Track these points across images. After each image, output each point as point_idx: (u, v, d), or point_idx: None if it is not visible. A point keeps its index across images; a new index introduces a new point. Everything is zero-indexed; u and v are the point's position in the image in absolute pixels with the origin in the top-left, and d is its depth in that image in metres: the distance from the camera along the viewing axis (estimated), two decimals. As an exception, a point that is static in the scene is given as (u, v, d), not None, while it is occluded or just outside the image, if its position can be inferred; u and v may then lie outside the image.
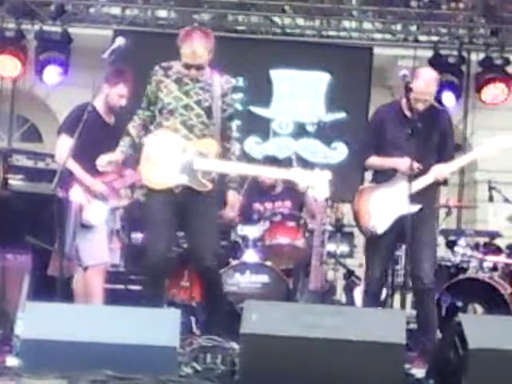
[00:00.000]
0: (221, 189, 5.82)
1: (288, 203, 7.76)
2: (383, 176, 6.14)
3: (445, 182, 6.42)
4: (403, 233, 5.78)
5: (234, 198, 5.83)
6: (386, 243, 6.08)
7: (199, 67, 5.69)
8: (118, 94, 6.31)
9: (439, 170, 6.07)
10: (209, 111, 5.70)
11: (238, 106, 9.24)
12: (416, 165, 5.88)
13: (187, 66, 5.70)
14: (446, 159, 6.12)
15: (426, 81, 6.07)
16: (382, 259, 6.12)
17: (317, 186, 5.81)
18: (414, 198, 5.77)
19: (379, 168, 6.18)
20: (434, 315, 6.11)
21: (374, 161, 6.15)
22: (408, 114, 6.03)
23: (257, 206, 7.77)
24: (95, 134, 6.08)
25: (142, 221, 6.09)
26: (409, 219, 5.68)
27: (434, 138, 6.10)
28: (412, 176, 5.82)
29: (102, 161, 5.73)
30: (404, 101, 6.04)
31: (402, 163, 5.95)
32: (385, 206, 6.04)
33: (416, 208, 5.86)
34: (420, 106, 6.01)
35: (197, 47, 5.63)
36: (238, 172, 5.77)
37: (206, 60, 5.71)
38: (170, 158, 5.65)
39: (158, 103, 5.74)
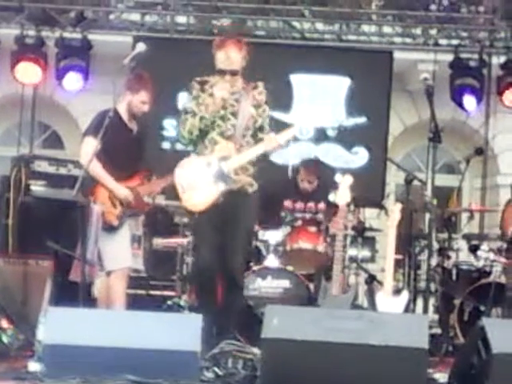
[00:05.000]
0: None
1: (322, 205, 7.49)
2: None
3: None
4: None
5: None
6: None
7: (233, 73, 5.82)
8: (140, 100, 6.35)
9: None
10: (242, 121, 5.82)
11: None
12: None
13: (221, 72, 5.81)
14: None
15: None
16: None
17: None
18: None
19: None
20: None
21: None
22: None
23: (287, 203, 7.62)
24: (118, 139, 6.11)
25: (194, 238, 6.61)
26: None
27: None
28: None
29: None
30: None
31: None
32: None
33: None
34: None
35: (231, 53, 5.79)
36: (258, 152, 5.83)
37: (240, 67, 5.84)
38: (201, 177, 5.80)
39: (195, 116, 5.83)
